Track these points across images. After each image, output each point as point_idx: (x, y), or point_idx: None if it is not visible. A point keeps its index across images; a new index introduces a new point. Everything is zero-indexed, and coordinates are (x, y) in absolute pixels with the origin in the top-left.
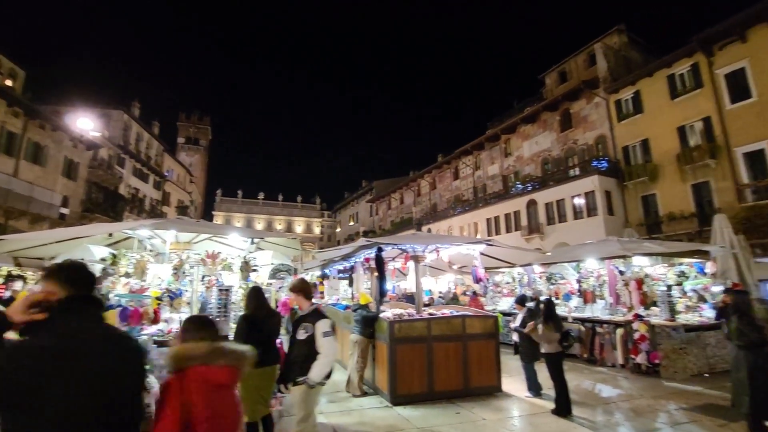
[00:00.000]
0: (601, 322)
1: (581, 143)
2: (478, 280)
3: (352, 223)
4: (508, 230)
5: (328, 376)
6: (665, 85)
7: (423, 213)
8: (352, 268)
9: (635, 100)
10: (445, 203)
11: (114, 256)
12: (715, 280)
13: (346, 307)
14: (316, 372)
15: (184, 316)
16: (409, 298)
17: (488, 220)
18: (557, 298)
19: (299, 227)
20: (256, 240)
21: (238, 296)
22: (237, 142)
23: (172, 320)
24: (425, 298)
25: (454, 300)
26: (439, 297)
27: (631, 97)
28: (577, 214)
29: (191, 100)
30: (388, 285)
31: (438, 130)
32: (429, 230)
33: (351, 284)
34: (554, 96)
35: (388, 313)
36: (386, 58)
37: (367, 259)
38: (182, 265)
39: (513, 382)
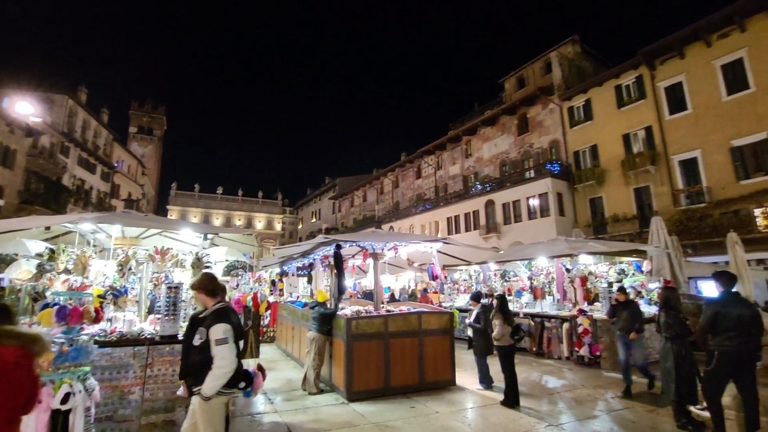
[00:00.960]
0: (549, 317)
1: (537, 147)
2: (434, 277)
3: (314, 220)
4: (467, 229)
5: (233, 386)
6: (613, 94)
7: (386, 211)
8: (311, 265)
9: (586, 108)
10: (407, 202)
11: (52, 251)
12: (651, 278)
13: (305, 305)
14: (208, 385)
15: (130, 315)
16: (369, 295)
17: (449, 219)
18: (510, 295)
19: (260, 223)
20: (209, 235)
21: (189, 294)
22: (195, 135)
23: (116, 319)
24: (385, 295)
25: (412, 297)
26: (404, 293)
27: (583, 104)
28: (532, 214)
29: (146, 89)
30: (348, 282)
31: (402, 130)
32: (391, 228)
33: (310, 281)
34: (513, 100)
35: (347, 310)
36: (353, 56)
37: (326, 256)
38: (128, 262)
39: (467, 375)
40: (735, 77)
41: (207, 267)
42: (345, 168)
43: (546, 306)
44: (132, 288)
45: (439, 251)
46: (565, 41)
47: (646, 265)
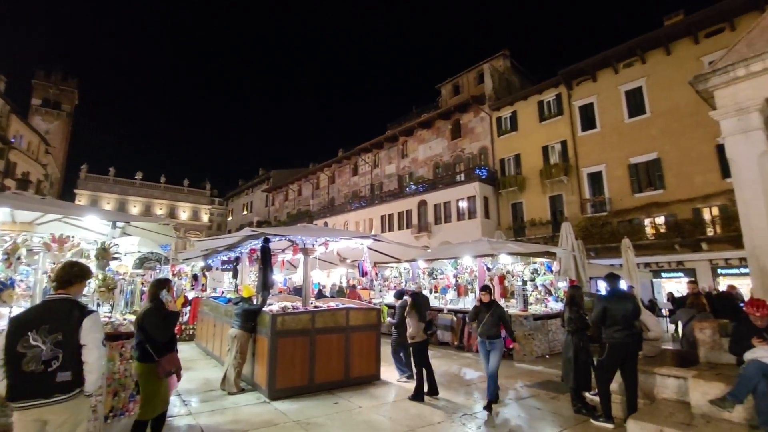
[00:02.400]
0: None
1: (468, 152)
2: (364, 274)
3: (245, 213)
4: (400, 228)
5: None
6: (536, 109)
7: (321, 206)
8: (237, 259)
9: (512, 119)
10: (343, 198)
11: None
12: (559, 277)
13: (229, 300)
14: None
15: (18, 310)
16: (300, 291)
17: (383, 217)
18: (436, 292)
19: (184, 213)
20: (120, 224)
21: (91, 287)
22: (114, 114)
23: (1, 316)
24: (315, 291)
25: (339, 293)
26: (334, 289)
27: (510, 115)
28: (460, 215)
29: (56, 58)
30: (278, 277)
31: (341, 126)
32: (326, 224)
33: (235, 276)
34: (448, 106)
35: (274, 306)
36: (293, 48)
37: (253, 250)
38: (17, 250)
39: (393, 370)
40: (635, 102)
41: (115, 258)
42: (280, 160)
43: (468, 302)
44: (21, 281)
45: (369, 248)
46: (497, 55)
47: (555, 266)
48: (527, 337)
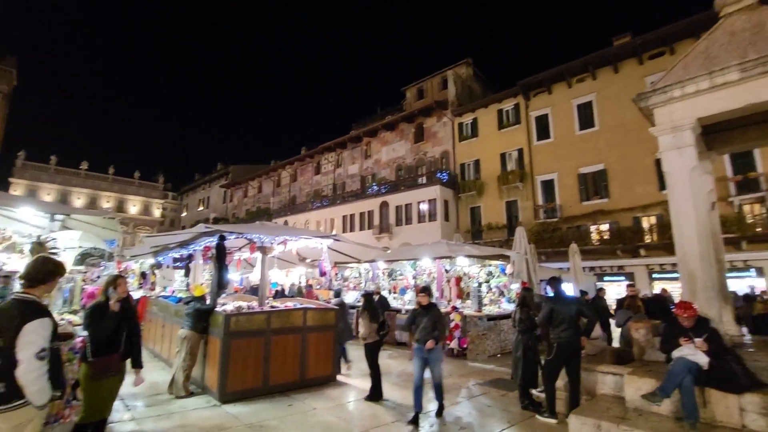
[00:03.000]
0: None
1: (430, 155)
2: (323, 274)
3: (201, 208)
4: (362, 228)
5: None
6: (495, 117)
7: (281, 204)
8: (190, 257)
9: (473, 125)
10: (304, 197)
11: None
12: (512, 279)
13: (179, 300)
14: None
15: None
16: (256, 291)
17: (344, 217)
18: (395, 292)
19: (134, 207)
20: (59, 216)
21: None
22: (60, 98)
23: None
24: (273, 291)
25: (300, 293)
26: (293, 289)
27: (471, 122)
28: (421, 218)
29: None
30: (235, 276)
31: (304, 124)
32: (286, 222)
33: (188, 274)
34: (412, 109)
35: (229, 305)
36: (261, 41)
37: (207, 248)
38: None
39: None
40: (586, 116)
41: (53, 254)
42: (240, 156)
43: None
44: None
45: (329, 248)
46: (461, 63)
47: (509, 268)
48: (480, 337)
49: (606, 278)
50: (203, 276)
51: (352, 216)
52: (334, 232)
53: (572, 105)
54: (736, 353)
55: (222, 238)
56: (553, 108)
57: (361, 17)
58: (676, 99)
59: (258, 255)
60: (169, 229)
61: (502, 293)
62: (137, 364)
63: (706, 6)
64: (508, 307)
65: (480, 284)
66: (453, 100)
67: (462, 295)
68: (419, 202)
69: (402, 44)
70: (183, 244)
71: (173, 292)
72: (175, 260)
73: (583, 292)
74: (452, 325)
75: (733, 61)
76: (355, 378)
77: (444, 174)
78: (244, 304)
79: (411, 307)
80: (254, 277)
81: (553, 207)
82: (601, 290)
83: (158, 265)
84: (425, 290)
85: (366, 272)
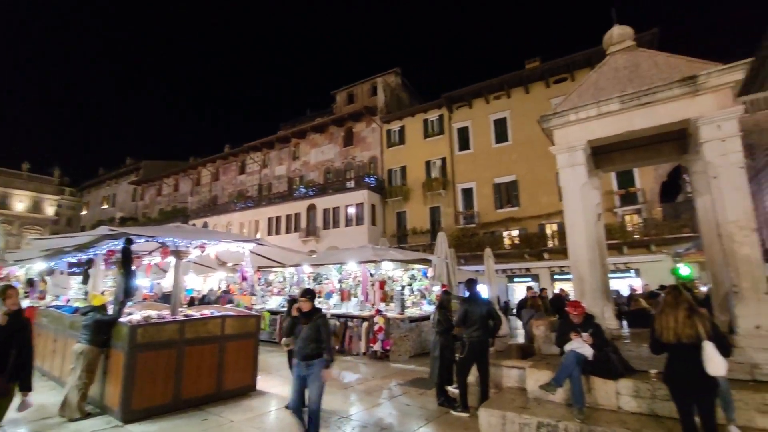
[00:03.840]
0: (352, 317)
1: (358, 160)
2: (244, 279)
3: (106, 207)
4: (288, 231)
5: None
6: (421, 126)
7: (201, 204)
8: (90, 262)
9: (401, 133)
10: (227, 197)
11: None
12: (433, 282)
13: (75, 310)
14: None
15: None
16: (169, 298)
17: (270, 219)
18: (320, 296)
19: (21, 204)
20: None
21: None
22: None
23: None
24: (188, 298)
25: (215, 300)
26: (212, 295)
27: (398, 129)
28: (348, 221)
29: None
30: (145, 282)
31: (228, 120)
32: (206, 224)
33: (86, 281)
34: (342, 113)
35: (136, 315)
36: (186, 30)
37: (111, 252)
38: None
39: (271, 378)
40: (501, 131)
41: None
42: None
43: (351, 307)
44: None
45: (252, 252)
46: (390, 71)
47: (430, 272)
48: (402, 339)
49: (515, 279)
50: (105, 283)
51: (278, 218)
52: (258, 235)
53: (490, 120)
54: (614, 345)
55: (129, 242)
56: (473, 121)
57: (292, 16)
58: (572, 123)
59: (171, 260)
60: (66, 230)
61: (423, 296)
62: (26, 387)
63: (601, 41)
64: (429, 308)
65: (403, 287)
66: (382, 107)
67: (386, 298)
68: (347, 206)
69: (334, 48)
70: (81, 248)
71: (68, 301)
72: (71, 265)
73: (542, 289)
74: (376, 328)
75: (615, 93)
76: (277, 386)
77: (372, 179)
78: (153, 313)
79: (335, 311)
80: (168, 284)
81: (471, 214)
82: (543, 290)
83: (49, 271)
84: (307, 294)
85: (291, 276)
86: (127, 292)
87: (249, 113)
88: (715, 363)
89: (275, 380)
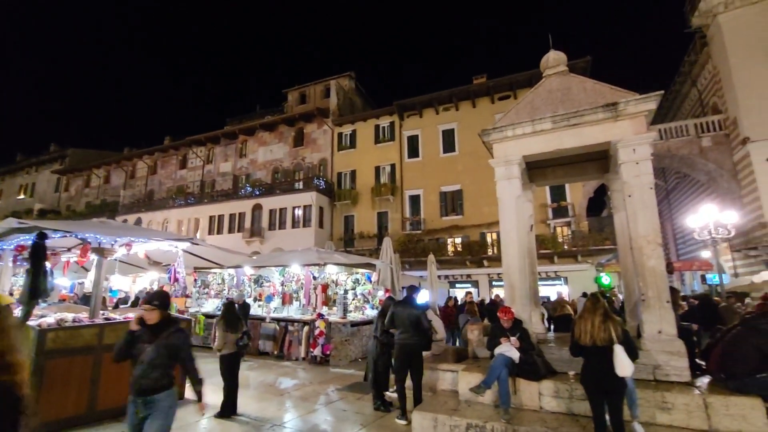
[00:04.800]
0: (293, 321)
1: (308, 161)
2: (175, 280)
3: (22, 196)
4: (231, 231)
5: None
6: (373, 131)
7: (135, 199)
8: None
9: (352, 137)
10: (165, 192)
11: None
12: (376, 287)
13: None
14: None
15: None
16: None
17: (212, 217)
18: (260, 300)
19: None
20: None
21: None
22: None
23: None
24: (113, 299)
25: (133, 303)
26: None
27: (350, 133)
28: (296, 223)
29: None
30: (64, 282)
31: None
32: (139, 220)
33: None
34: (293, 113)
35: (49, 317)
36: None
37: (21, 247)
38: None
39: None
40: (449, 141)
41: None
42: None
43: (292, 310)
44: None
45: (186, 251)
46: (344, 74)
47: (374, 276)
48: (344, 343)
49: (457, 285)
50: (13, 282)
51: (220, 217)
52: (198, 234)
53: (438, 130)
54: (539, 348)
55: (43, 237)
56: (423, 130)
57: (247, 8)
58: (509, 138)
59: (95, 257)
60: None
61: (367, 300)
62: None
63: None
64: (372, 313)
65: (346, 291)
66: (334, 109)
67: (328, 302)
68: (294, 207)
69: (288, 45)
70: None
71: None
72: None
73: (467, 293)
74: (317, 332)
75: (548, 113)
76: (207, 394)
77: (321, 181)
78: (69, 315)
79: (275, 315)
80: (90, 283)
81: (418, 220)
82: (497, 296)
83: None
84: (155, 299)
85: (230, 278)
86: (36, 292)
87: (193, 105)
88: (623, 365)
89: (205, 388)
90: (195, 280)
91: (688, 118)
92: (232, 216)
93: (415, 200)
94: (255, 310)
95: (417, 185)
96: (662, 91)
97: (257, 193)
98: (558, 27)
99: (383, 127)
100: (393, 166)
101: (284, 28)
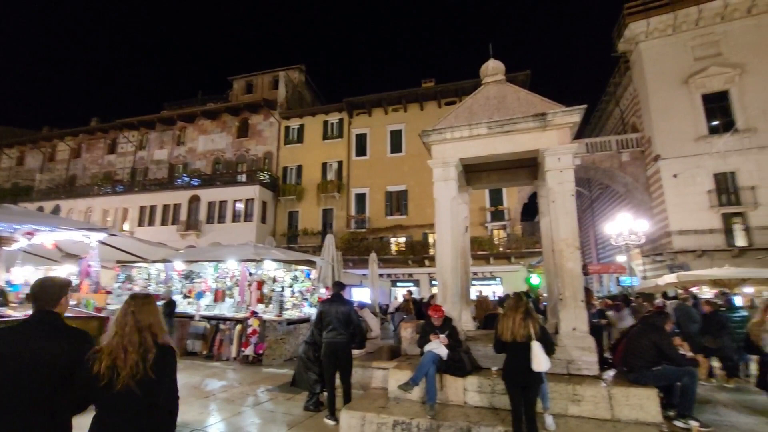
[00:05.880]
0: (225, 320)
1: (252, 153)
2: (86, 274)
3: None
4: (164, 223)
5: None
6: (321, 127)
7: (54, 184)
8: None
9: (299, 131)
10: (89, 178)
11: None
12: (316, 284)
13: None
14: None
15: None
16: None
17: (143, 208)
18: (190, 296)
19: None
20: None
21: None
22: None
23: None
24: (15, 294)
25: None
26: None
27: (298, 127)
28: (236, 217)
29: None
30: None
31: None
32: (58, 207)
33: None
34: (238, 102)
35: None
36: None
37: None
38: None
39: None
40: (396, 142)
41: None
42: None
43: (225, 308)
44: None
45: (104, 243)
46: (294, 67)
47: (314, 274)
48: (278, 342)
49: (399, 284)
50: None
51: (153, 208)
52: (127, 225)
53: (387, 130)
54: (466, 345)
55: None
56: (372, 129)
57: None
58: (447, 141)
59: None
60: None
61: (305, 298)
62: None
63: None
64: (310, 311)
65: (283, 288)
66: (282, 102)
67: (263, 299)
68: (236, 201)
69: (236, 31)
70: None
71: None
72: None
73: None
74: (250, 330)
75: (484, 119)
76: None
77: (266, 175)
78: None
79: (206, 313)
80: None
81: (363, 218)
82: (433, 295)
83: None
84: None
85: (157, 273)
86: None
87: (126, 87)
88: (539, 360)
89: None
90: (118, 274)
91: (612, 135)
92: (166, 207)
93: (361, 198)
94: (184, 307)
95: (363, 184)
96: (586, 105)
97: (195, 183)
98: (503, 40)
99: (332, 124)
100: (340, 163)
101: (234, 12)
